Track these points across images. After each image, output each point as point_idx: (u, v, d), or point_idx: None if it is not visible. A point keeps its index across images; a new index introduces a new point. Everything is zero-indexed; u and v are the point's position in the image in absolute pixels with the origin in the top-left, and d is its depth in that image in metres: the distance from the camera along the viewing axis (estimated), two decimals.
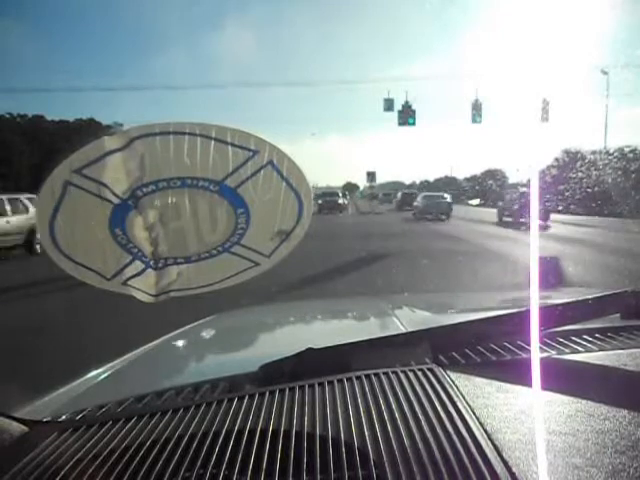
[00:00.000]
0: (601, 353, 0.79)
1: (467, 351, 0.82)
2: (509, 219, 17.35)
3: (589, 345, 0.83)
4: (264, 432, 0.59)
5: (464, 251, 9.38)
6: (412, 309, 1.64)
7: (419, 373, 0.73)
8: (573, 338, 0.86)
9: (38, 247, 9.89)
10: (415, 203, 23.66)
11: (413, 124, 20.61)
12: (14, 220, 10.48)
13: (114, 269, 0.72)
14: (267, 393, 0.69)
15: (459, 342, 0.84)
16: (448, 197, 23.45)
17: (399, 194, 30.68)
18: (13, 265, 9.69)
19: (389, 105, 20.50)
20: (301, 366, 0.76)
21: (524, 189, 18.02)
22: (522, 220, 15.16)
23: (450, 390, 0.66)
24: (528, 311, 0.78)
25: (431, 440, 0.54)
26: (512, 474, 0.47)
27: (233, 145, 0.68)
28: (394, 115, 20.45)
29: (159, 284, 0.75)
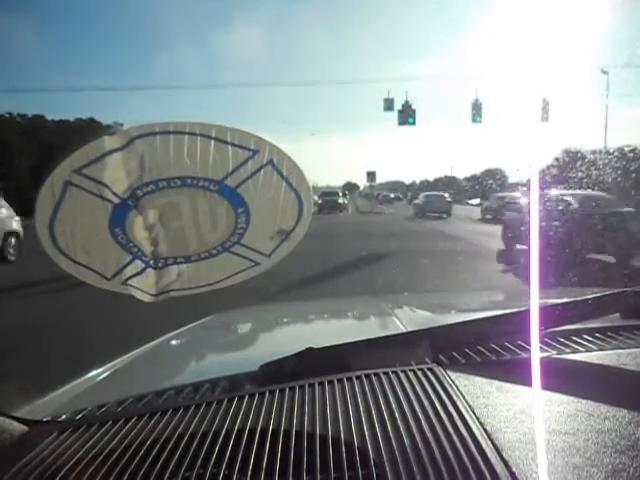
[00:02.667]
0: (601, 353, 0.79)
1: (467, 351, 0.82)
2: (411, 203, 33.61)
3: (589, 345, 0.83)
4: (264, 432, 0.59)
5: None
6: (412, 309, 1.64)
7: (419, 373, 0.73)
8: (573, 338, 0.86)
9: (10, 255, 9.22)
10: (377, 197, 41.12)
11: (413, 124, 20.59)
12: None
13: (114, 269, 0.72)
14: (267, 393, 0.69)
15: (459, 342, 0.84)
16: (392, 195, 49.53)
17: (375, 194, 47.53)
18: None
19: (389, 105, 20.49)
20: (301, 366, 0.76)
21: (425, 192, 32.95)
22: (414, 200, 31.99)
23: (450, 390, 0.66)
24: (528, 311, 0.78)
25: (431, 440, 0.54)
26: (512, 474, 0.47)
27: (233, 145, 0.68)
28: (394, 115, 20.48)
29: (159, 284, 0.75)
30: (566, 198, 8.53)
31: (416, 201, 26.13)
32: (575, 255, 6.47)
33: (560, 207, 8.09)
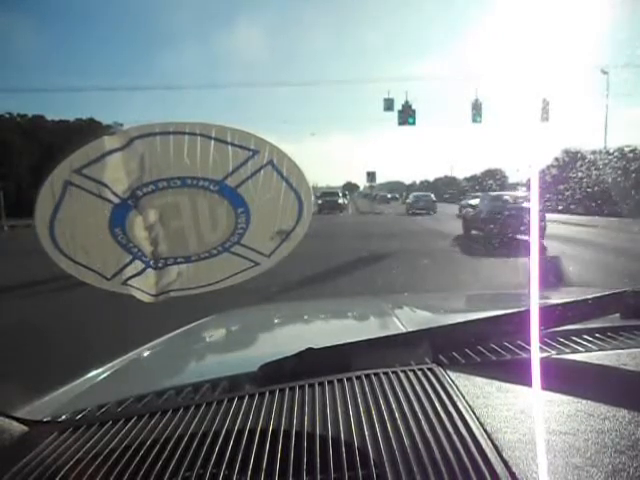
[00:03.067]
0: (601, 353, 0.79)
1: (467, 351, 0.82)
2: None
3: (589, 345, 0.83)
4: (264, 432, 0.59)
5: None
6: (412, 309, 1.64)
7: (419, 373, 0.73)
8: (573, 338, 0.86)
9: None
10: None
11: (413, 124, 20.58)
12: None
13: (114, 269, 0.72)
14: (267, 393, 0.69)
15: (459, 342, 0.84)
16: (389, 195, 52.52)
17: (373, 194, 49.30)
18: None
19: (389, 105, 20.48)
20: (301, 366, 0.76)
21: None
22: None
23: (450, 390, 0.66)
24: (528, 311, 0.78)
25: (431, 440, 0.54)
26: (512, 474, 0.47)
27: (233, 145, 0.68)
28: (394, 115, 20.46)
29: (159, 284, 0.75)
30: (504, 197, 12.73)
31: (407, 200, 31.36)
32: (505, 235, 10.16)
33: (498, 203, 11.93)
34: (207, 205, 0.70)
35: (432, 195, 30.17)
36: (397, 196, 60.13)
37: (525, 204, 11.08)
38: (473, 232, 12.53)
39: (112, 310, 3.23)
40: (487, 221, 11.28)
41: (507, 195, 12.92)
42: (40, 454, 0.59)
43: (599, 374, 0.73)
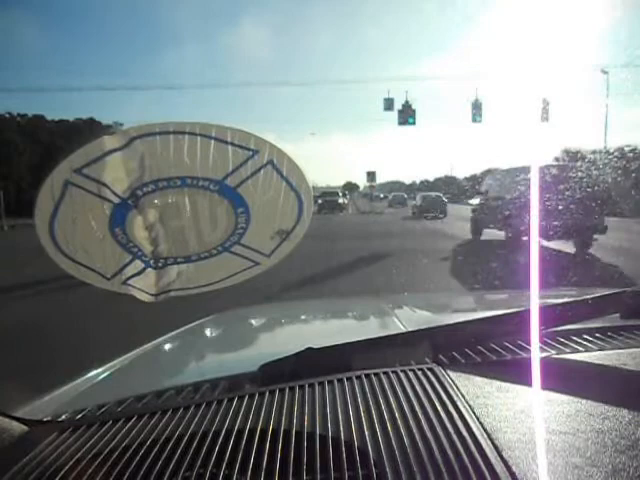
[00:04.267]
0: (601, 353, 0.79)
1: (467, 351, 0.82)
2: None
3: (589, 345, 0.83)
4: (264, 432, 0.59)
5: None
6: (412, 309, 1.64)
7: (419, 373, 0.73)
8: (573, 338, 0.86)
9: None
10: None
11: (413, 123, 20.57)
12: None
13: (114, 268, 0.72)
14: (267, 393, 0.69)
15: (459, 342, 0.84)
16: (382, 195, 57.84)
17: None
18: None
19: (389, 104, 20.47)
20: (301, 366, 0.76)
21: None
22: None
23: (450, 390, 0.66)
24: (528, 311, 0.78)
25: (431, 440, 0.54)
26: (512, 474, 0.47)
27: (233, 145, 0.68)
28: (394, 115, 20.45)
29: (159, 283, 0.75)
30: (429, 194, 26.19)
31: (389, 198, 45.26)
32: (428, 213, 22.44)
33: (425, 198, 24.89)
34: (207, 205, 0.70)
35: (405, 195, 45.14)
36: (387, 195, 63.37)
37: (434, 196, 24.83)
38: (414, 213, 24.19)
39: (112, 310, 3.23)
40: (419, 207, 23.92)
41: (431, 193, 26.26)
42: (40, 454, 0.59)
43: (599, 374, 0.73)
